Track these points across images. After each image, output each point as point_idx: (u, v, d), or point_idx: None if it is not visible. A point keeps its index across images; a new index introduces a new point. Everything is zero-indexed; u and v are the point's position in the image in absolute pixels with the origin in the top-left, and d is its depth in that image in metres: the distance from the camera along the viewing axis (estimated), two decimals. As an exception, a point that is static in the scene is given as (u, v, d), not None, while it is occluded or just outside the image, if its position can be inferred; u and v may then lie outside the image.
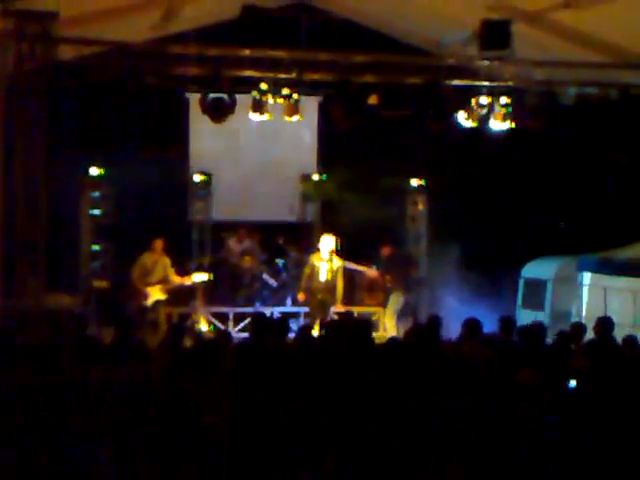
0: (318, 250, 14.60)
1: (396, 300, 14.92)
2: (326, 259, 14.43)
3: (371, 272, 15.77)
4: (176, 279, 14.39)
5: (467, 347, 9.26)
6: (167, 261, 14.38)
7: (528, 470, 6.73)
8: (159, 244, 14.32)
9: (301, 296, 14.72)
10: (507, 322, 10.08)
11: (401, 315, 15.03)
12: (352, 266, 15.23)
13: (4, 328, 10.09)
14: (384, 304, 15.39)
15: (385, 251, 15.42)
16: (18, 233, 12.16)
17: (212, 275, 15.26)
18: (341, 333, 9.65)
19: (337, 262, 14.53)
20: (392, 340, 9.52)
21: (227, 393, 7.58)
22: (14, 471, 6.80)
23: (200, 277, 14.76)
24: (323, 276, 14.42)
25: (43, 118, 12.19)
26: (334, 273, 14.46)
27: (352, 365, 8.26)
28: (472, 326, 9.75)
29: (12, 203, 12.29)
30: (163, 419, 7.23)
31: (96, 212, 16.08)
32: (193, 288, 15.15)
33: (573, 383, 8.01)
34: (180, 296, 14.91)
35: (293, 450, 6.99)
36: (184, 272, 15.07)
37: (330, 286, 14.48)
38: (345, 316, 13.26)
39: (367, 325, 10.31)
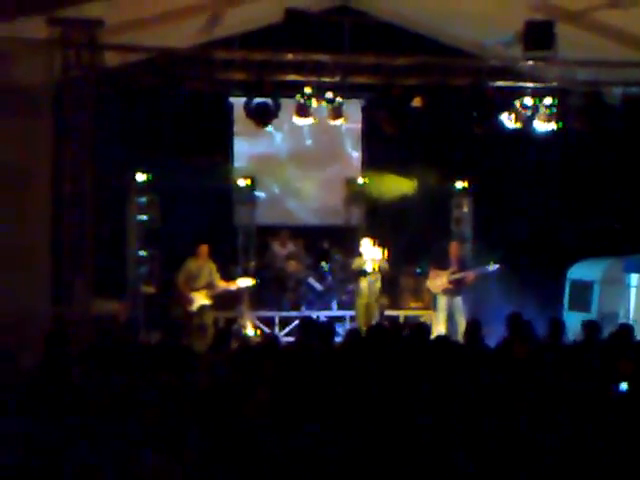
0: (360, 254, 14.60)
1: (447, 301, 14.75)
2: (370, 262, 14.41)
3: (470, 275, 15.11)
4: (221, 284, 14.40)
5: (517, 349, 9.22)
6: (212, 266, 14.41)
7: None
8: (204, 249, 14.34)
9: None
10: (556, 324, 10.02)
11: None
12: (456, 276, 14.89)
13: (54, 333, 10.16)
14: (433, 307, 15.28)
15: (454, 250, 15.17)
16: (65, 239, 12.27)
17: (257, 280, 15.26)
18: (388, 337, 9.64)
19: (382, 265, 14.50)
20: (440, 339, 9.52)
21: (274, 397, 7.59)
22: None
23: (245, 282, 14.78)
24: (369, 279, 14.41)
25: (90, 124, 12.30)
26: (376, 276, 14.45)
27: (403, 369, 8.26)
28: (522, 327, 9.71)
29: (60, 209, 12.41)
30: (211, 423, 7.25)
31: (143, 217, 16.17)
32: (239, 293, 15.19)
33: (624, 386, 7.94)
34: (226, 301, 14.95)
35: (340, 456, 6.97)
36: (229, 277, 15.12)
37: (375, 289, 14.48)
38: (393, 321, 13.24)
39: (424, 329, 10.22)
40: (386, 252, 14.65)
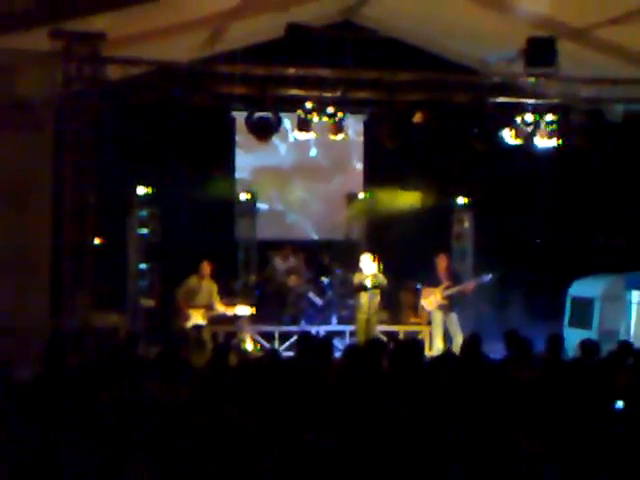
0: (360, 269, 14.59)
1: (442, 317, 14.74)
2: (370, 277, 14.41)
3: (469, 286, 15.08)
4: (220, 307, 14.32)
5: (515, 366, 9.20)
6: (214, 287, 14.34)
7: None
8: (206, 268, 14.26)
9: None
10: (555, 341, 9.98)
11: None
12: (452, 291, 14.85)
13: (54, 345, 10.16)
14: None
15: (442, 261, 15.09)
16: (66, 251, 12.28)
17: (255, 307, 15.16)
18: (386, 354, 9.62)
19: (381, 278, 14.50)
20: (441, 357, 9.50)
21: (273, 412, 7.58)
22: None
23: (243, 310, 14.69)
24: (367, 295, 14.41)
25: (91, 138, 12.32)
26: (376, 291, 14.44)
27: (398, 386, 8.24)
28: (521, 345, 9.69)
29: (61, 221, 12.42)
30: (209, 438, 7.24)
31: (143, 231, 16.19)
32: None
33: (620, 404, 7.93)
34: (225, 317, 14.92)
35: (338, 472, 6.96)
36: (230, 292, 15.09)
37: (375, 303, 14.47)
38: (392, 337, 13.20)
39: (418, 345, 10.19)
40: (381, 267, 14.60)
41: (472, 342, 9.86)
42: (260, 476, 6.78)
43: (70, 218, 12.29)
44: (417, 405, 7.79)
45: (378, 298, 14.55)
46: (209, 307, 14.22)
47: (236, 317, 14.94)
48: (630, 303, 14.49)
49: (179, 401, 7.74)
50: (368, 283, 14.42)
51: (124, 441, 7.11)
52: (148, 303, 15.84)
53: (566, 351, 10.68)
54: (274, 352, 9.95)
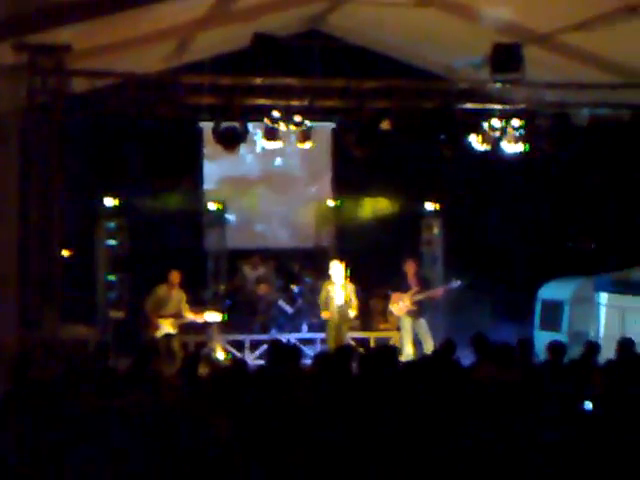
0: (330, 276, 14.59)
1: (412, 323, 14.75)
2: (339, 285, 14.40)
3: (437, 291, 15.18)
4: (189, 315, 14.30)
5: (484, 370, 9.23)
6: (182, 296, 14.32)
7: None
8: (175, 277, 14.24)
9: (325, 314, 14.60)
10: (525, 344, 10.03)
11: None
12: (421, 296, 14.87)
13: (23, 359, 10.09)
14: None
15: (410, 267, 15.12)
16: (34, 263, 12.20)
17: (225, 314, 15.16)
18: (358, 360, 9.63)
19: (350, 285, 14.49)
20: (410, 363, 9.53)
21: (243, 421, 7.56)
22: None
23: (213, 317, 14.69)
24: (338, 301, 14.39)
25: (57, 150, 12.25)
26: (348, 297, 14.43)
27: (371, 392, 8.24)
28: (488, 348, 9.73)
29: (28, 234, 12.34)
30: (179, 447, 7.21)
31: (112, 242, 16.12)
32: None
33: (589, 405, 7.97)
34: (196, 325, 14.88)
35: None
36: (199, 302, 15.07)
37: (345, 312, 14.46)
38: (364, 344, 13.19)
39: (393, 351, 10.19)
40: (348, 272, 14.58)
41: (446, 348, 9.89)
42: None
43: (37, 230, 12.21)
44: (389, 411, 7.79)
45: (349, 306, 14.53)
46: (178, 315, 14.19)
47: (206, 325, 14.92)
48: (599, 305, 14.59)
49: (151, 412, 7.70)
50: (337, 290, 14.40)
51: (95, 453, 7.08)
52: (117, 314, 15.77)
53: (537, 354, 10.73)
54: (241, 362, 9.90)
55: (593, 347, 9.98)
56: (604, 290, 14.59)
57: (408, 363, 10.03)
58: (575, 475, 6.77)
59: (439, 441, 7.20)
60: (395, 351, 10.20)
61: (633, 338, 10.11)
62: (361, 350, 13.37)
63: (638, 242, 16.31)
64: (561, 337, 13.53)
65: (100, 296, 16.04)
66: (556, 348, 9.69)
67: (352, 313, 14.53)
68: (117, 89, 13.26)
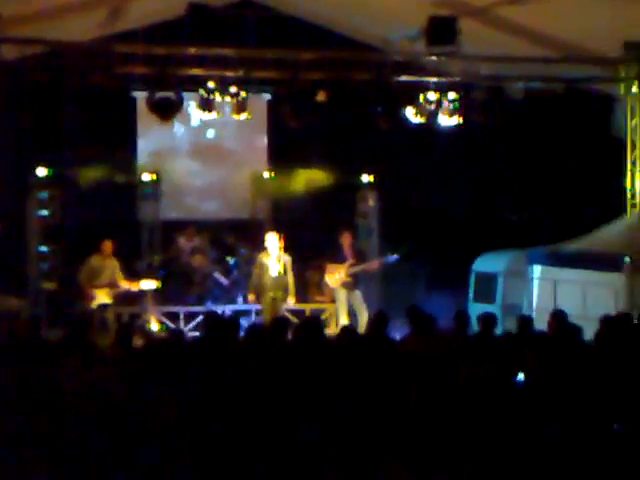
0: (265, 248, 14.54)
1: (347, 295, 14.77)
2: (275, 256, 14.37)
3: (373, 264, 15.15)
4: (124, 284, 14.20)
5: (416, 342, 9.29)
6: (115, 264, 14.19)
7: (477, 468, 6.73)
8: (108, 246, 14.10)
9: (251, 297, 14.59)
10: (461, 316, 10.10)
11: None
12: (356, 269, 14.86)
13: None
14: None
15: (346, 239, 15.10)
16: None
17: (160, 282, 15.07)
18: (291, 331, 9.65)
19: (286, 258, 14.45)
20: (344, 330, 9.59)
21: (180, 392, 7.53)
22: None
23: (148, 284, 14.60)
24: (273, 273, 14.34)
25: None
26: (284, 270, 14.41)
27: (303, 362, 8.26)
28: (423, 320, 9.79)
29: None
30: (116, 419, 7.17)
31: (44, 213, 15.89)
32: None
33: (521, 377, 8.05)
34: (130, 296, 14.77)
35: (246, 452, 6.95)
36: (134, 273, 14.95)
37: (281, 283, 14.41)
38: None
39: (318, 323, 10.23)
40: (283, 244, 14.53)
41: (379, 319, 9.92)
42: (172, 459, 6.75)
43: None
44: (319, 381, 7.82)
45: (285, 277, 14.50)
46: (113, 285, 14.07)
47: (140, 296, 14.81)
48: (532, 278, 14.73)
49: (85, 384, 7.65)
50: (273, 262, 14.36)
51: (30, 427, 7.02)
52: (50, 286, 15.58)
53: (472, 326, 10.80)
54: (178, 333, 9.85)
55: (525, 320, 10.06)
56: (537, 263, 14.72)
57: (336, 334, 10.04)
58: (507, 448, 6.84)
59: (369, 414, 7.24)
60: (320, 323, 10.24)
61: (565, 310, 10.21)
62: (296, 321, 13.35)
63: (571, 215, 16.52)
64: (495, 309, 13.64)
65: (32, 267, 15.80)
66: (487, 320, 9.78)
67: (290, 300, 14.46)
68: (48, 57, 13.06)
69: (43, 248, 15.84)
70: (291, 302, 14.48)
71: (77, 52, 13.06)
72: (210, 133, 17.24)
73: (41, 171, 15.79)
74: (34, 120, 14.19)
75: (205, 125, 16.34)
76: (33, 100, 13.49)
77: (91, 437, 6.97)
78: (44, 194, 15.89)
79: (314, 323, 9.89)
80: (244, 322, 13.89)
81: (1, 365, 8.15)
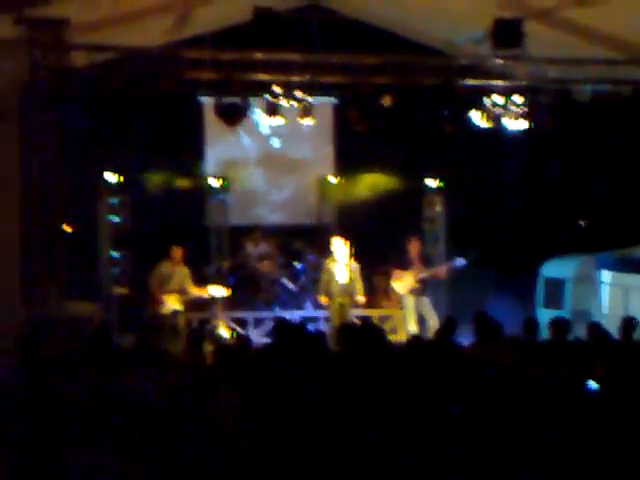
0: (332, 253, 14.54)
1: (415, 301, 14.69)
2: (342, 263, 14.36)
3: (441, 269, 15.07)
4: (194, 290, 14.29)
5: (484, 348, 9.22)
6: (185, 271, 14.28)
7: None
8: (178, 253, 14.19)
9: (324, 299, 14.59)
10: (531, 323, 10.02)
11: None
12: (425, 274, 14.85)
13: (27, 336, 10.08)
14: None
15: (414, 246, 15.06)
16: (36, 241, 12.19)
17: (229, 288, 15.14)
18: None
19: (354, 265, 14.44)
20: (413, 340, 9.53)
21: (249, 398, 7.56)
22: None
23: (217, 291, 14.67)
24: (341, 279, 14.34)
25: (58, 125, 12.22)
26: (352, 276, 14.39)
27: (367, 371, 8.24)
28: (490, 326, 9.72)
29: (30, 211, 12.32)
30: (185, 426, 7.21)
31: (114, 219, 16.10)
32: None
33: (593, 384, 7.96)
34: (200, 302, 14.86)
35: (314, 459, 6.95)
36: (202, 278, 15.06)
37: (349, 289, 14.41)
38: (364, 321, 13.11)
39: (378, 331, 10.16)
40: (350, 250, 14.52)
41: (448, 325, 9.89)
42: (241, 464, 6.77)
43: (38, 207, 12.21)
44: (386, 390, 7.81)
45: (353, 283, 14.48)
46: (182, 291, 14.17)
47: (211, 301, 14.90)
48: (601, 283, 14.57)
49: (157, 390, 7.70)
50: (340, 267, 14.35)
51: (100, 432, 7.07)
52: (121, 291, 15.76)
53: (540, 332, 10.71)
54: (245, 339, 9.91)
55: (596, 327, 9.93)
56: (607, 268, 14.57)
57: (406, 342, 9.98)
58: (577, 456, 6.76)
59: (434, 423, 7.20)
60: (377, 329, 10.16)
61: (637, 317, 10.08)
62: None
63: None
64: (564, 314, 13.50)
65: (103, 272, 16.00)
66: (560, 325, 9.67)
67: (360, 298, 14.47)
68: (117, 64, 13.21)
69: (114, 253, 16.05)
70: (361, 300, 14.46)
71: (145, 58, 13.19)
72: (277, 140, 17.27)
73: (111, 177, 16.00)
74: (104, 126, 14.38)
75: (272, 131, 16.39)
76: (102, 106, 13.66)
77: (160, 443, 7.02)
78: (114, 200, 16.10)
79: (376, 329, 9.86)
80: (312, 328, 13.92)
81: (73, 371, 8.24)
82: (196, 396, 7.48)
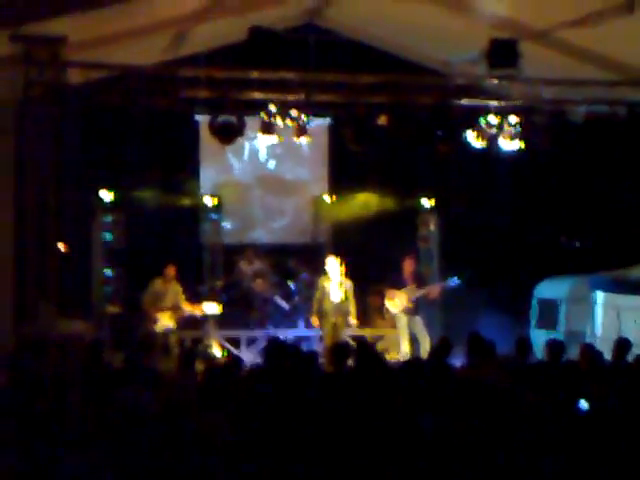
0: (326, 272, 14.54)
1: (408, 321, 14.69)
2: (336, 281, 14.35)
3: (434, 289, 15.17)
4: (187, 308, 14.33)
5: (477, 369, 9.20)
6: (178, 289, 14.34)
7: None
8: (171, 271, 14.27)
9: (315, 320, 14.61)
10: (523, 343, 10.00)
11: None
12: (418, 294, 14.85)
13: (18, 354, 10.07)
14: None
15: (409, 265, 15.08)
16: (29, 258, 12.15)
17: (222, 306, 15.14)
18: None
19: (347, 284, 14.45)
20: (408, 362, 9.51)
21: (239, 418, 7.54)
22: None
23: (211, 308, 14.70)
24: (334, 298, 14.34)
25: (53, 143, 12.19)
26: (345, 296, 14.39)
27: (361, 390, 8.22)
28: (484, 347, 9.70)
29: (24, 228, 12.29)
30: (174, 444, 7.19)
31: (108, 236, 16.08)
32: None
33: (584, 404, 7.94)
34: (193, 320, 14.85)
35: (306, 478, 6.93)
36: (196, 296, 15.04)
37: (342, 308, 14.41)
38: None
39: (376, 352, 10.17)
40: (344, 269, 14.52)
41: (442, 346, 9.87)
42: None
43: (33, 223, 12.16)
44: (380, 409, 7.79)
45: (347, 302, 14.48)
46: (176, 309, 14.18)
47: (204, 319, 14.89)
48: (595, 304, 14.55)
49: (147, 408, 7.69)
50: (334, 286, 14.35)
51: (92, 449, 7.06)
52: (114, 309, 15.74)
53: (534, 353, 10.72)
54: (237, 360, 9.89)
55: (589, 349, 9.92)
56: (600, 289, 14.56)
57: (403, 363, 9.97)
58: (570, 477, 6.75)
59: (427, 443, 7.18)
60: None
61: (630, 338, 10.07)
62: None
63: (635, 240, 16.30)
64: (557, 336, 13.49)
65: (96, 291, 15.99)
66: (555, 347, 9.66)
67: (352, 320, 14.50)
68: (113, 81, 13.21)
69: (107, 272, 16.02)
70: (353, 323, 14.46)
71: (141, 76, 13.17)
72: (271, 157, 17.28)
73: (105, 195, 15.99)
74: (99, 143, 14.38)
75: (267, 149, 16.37)
76: (98, 124, 13.67)
77: (151, 460, 7.00)
78: (108, 218, 16.09)
79: (373, 349, 9.86)
80: (304, 348, 13.91)
81: (64, 390, 8.22)
82: (184, 415, 7.47)
